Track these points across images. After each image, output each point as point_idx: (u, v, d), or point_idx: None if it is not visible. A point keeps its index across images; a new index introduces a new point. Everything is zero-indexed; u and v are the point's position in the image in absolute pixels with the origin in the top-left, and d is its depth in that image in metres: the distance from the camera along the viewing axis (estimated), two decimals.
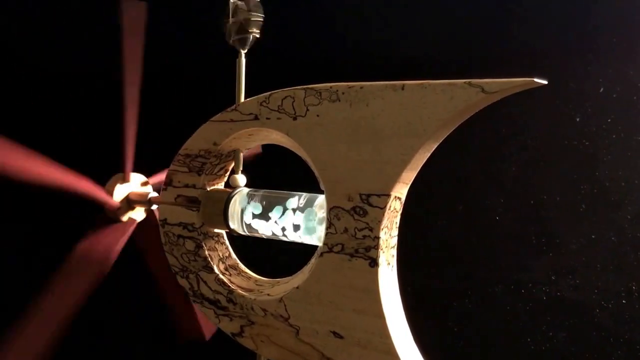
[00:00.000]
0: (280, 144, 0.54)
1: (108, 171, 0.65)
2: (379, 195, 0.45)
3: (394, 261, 0.48)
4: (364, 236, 0.46)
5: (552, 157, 0.94)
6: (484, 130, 0.95)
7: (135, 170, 0.66)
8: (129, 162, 0.63)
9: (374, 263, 0.46)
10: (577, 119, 0.94)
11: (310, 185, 0.54)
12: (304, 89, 0.49)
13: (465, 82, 0.41)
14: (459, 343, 0.98)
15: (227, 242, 0.59)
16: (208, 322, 0.72)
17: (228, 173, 0.59)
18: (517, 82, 0.39)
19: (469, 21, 0.95)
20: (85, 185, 0.59)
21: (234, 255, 0.58)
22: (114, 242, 0.62)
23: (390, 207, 0.46)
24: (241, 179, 0.57)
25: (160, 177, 0.68)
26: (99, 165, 0.61)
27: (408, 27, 0.95)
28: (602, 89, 0.93)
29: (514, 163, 0.96)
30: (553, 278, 0.94)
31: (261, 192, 0.55)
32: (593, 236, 0.92)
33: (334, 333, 0.48)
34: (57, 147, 0.57)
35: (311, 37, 0.97)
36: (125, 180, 0.64)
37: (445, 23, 0.95)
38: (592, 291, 0.91)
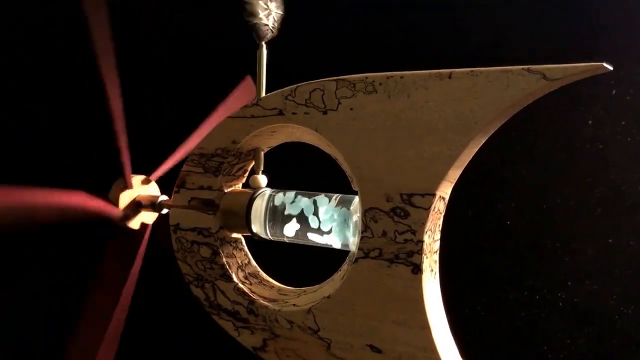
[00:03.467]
0: (307, 142, 0.50)
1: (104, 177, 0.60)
2: (422, 195, 0.42)
3: (437, 268, 0.44)
4: (406, 240, 0.42)
5: (565, 160, 0.92)
6: (494, 133, 0.92)
7: (136, 168, 0.61)
8: (127, 166, 0.58)
9: (417, 269, 0.42)
10: (590, 122, 0.91)
11: (330, 185, 0.51)
12: (335, 80, 0.45)
13: (523, 69, 0.38)
14: (471, 352, 0.94)
15: (246, 248, 0.54)
16: None
17: (247, 173, 0.54)
18: (583, 67, 0.36)
19: (474, 21, 0.92)
20: (80, 201, 0.54)
21: (254, 263, 0.54)
22: (132, 254, 0.58)
23: (434, 207, 0.42)
24: (262, 179, 0.52)
25: (163, 169, 0.63)
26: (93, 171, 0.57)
27: (436, 16, 0.91)
28: (614, 92, 0.90)
29: (525, 167, 0.93)
30: (569, 284, 0.91)
31: (287, 193, 0.51)
32: (610, 240, 0.89)
33: (371, 347, 0.44)
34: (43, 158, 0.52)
35: (334, 27, 0.93)
36: (127, 186, 0.59)
37: (450, 19, 0.92)
38: (611, 297, 0.88)
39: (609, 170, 0.90)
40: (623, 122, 0.90)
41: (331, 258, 0.53)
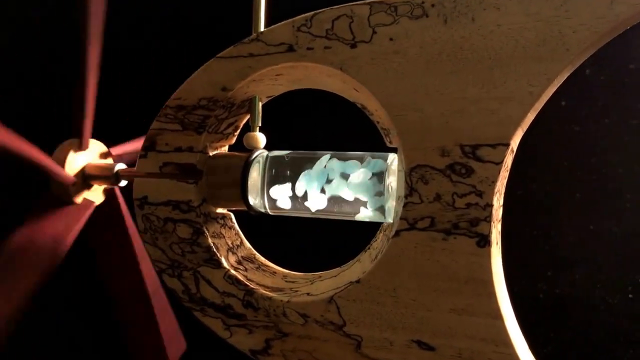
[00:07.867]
0: (322, 88, 0.40)
1: (54, 136, 0.47)
2: (492, 146, 0.32)
3: (500, 240, 0.35)
4: (468, 204, 0.33)
5: (539, 144, 0.86)
6: None
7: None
8: (88, 123, 0.46)
9: (484, 242, 0.33)
10: (563, 103, 0.86)
11: (348, 145, 0.41)
12: (367, 3, 0.36)
13: None
14: None
15: (237, 226, 0.43)
16: (174, 345, 0.56)
17: (239, 131, 0.43)
18: None
19: None
20: (29, 151, 0.41)
21: (247, 244, 0.43)
22: (64, 230, 0.45)
23: (505, 162, 0.33)
24: (261, 137, 0.41)
25: (127, 147, 0.51)
26: (42, 126, 0.44)
27: None
28: (587, 71, 0.86)
29: None
30: (549, 274, 0.85)
31: (291, 154, 0.40)
32: (591, 227, 0.84)
33: (420, 343, 0.34)
34: None
35: None
36: (81, 147, 0.46)
37: None
38: (595, 286, 0.83)
39: (588, 154, 0.85)
40: (600, 103, 0.85)
41: (340, 235, 0.43)
